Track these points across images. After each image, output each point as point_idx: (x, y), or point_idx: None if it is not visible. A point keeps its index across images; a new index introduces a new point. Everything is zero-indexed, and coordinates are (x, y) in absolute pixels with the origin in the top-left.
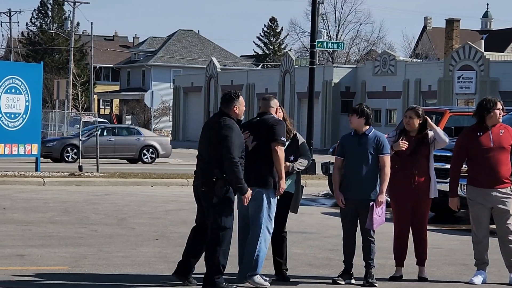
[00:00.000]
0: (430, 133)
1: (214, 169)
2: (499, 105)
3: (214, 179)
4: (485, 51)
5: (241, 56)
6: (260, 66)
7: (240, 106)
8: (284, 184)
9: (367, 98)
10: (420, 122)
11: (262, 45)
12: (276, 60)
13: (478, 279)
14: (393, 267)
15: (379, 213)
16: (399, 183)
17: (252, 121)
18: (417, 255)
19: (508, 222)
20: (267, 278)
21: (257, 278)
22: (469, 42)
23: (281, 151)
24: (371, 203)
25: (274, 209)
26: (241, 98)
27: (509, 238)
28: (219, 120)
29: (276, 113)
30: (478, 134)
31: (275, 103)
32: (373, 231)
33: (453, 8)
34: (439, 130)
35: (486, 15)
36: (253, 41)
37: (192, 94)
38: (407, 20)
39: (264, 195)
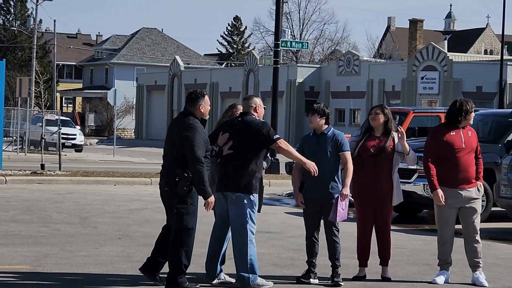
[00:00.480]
0: (396, 137)
1: (176, 169)
2: (472, 108)
3: (176, 179)
4: (448, 51)
5: (205, 54)
6: (223, 65)
7: (206, 105)
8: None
9: (331, 98)
10: (385, 120)
11: (226, 44)
12: (240, 59)
13: (440, 279)
14: (356, 267)
15: (343, 207)
16: (363, 183)
17: (234, 122)
18: (380, 255)
19: (475, 222)
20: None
21: (260, 281)
22: (432, 43)
23: (284, 143)
24: (336, 195)
25: (256, 213)
26: (206, 97)
27: (475, 238)
28: (183, 120)
29: (256, 111)
30: (451, 134)
31: (254, 102)
32: (337, 230)
33: (416, 9)
34: (412, 153)
35: (449, 15)
36: (217, 40)
37: (155, 93)
38: (371, 20)
39: (245, 199)
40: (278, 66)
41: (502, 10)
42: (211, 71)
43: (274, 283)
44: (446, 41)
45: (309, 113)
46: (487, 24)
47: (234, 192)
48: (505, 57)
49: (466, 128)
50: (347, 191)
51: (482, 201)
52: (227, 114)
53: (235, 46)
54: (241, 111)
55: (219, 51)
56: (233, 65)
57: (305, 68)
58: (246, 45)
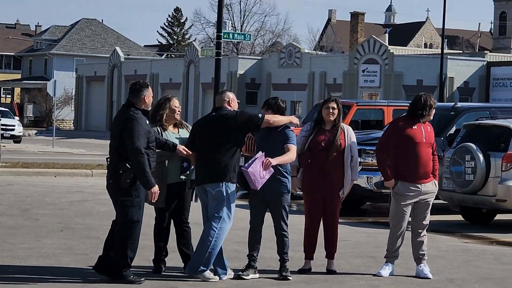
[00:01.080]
0: (347, 129)
1: (119, 161)
2: (433, 103)
3: (120, 172)
4: (389, 45)
5: (145, 45)
6: (164, 56)
7: (150, 96)
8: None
9: (272, 90)
10: (338, 114)
11: (166, 35)
12: (180, 50)
13: (385, 271)
14: (301, 259)
15: (262, 175)
16: (312, 177)
17: (209, 116)
18: (326, 248)
19: (426, 215)
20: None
21: (208, 274)
22: (373, 36)
23: (269, 116)
24: (284, 190)
25: (234, 207)
26: (150, 89)
27: (424, 231)
28: (124, 111)
29: (229, 105)
30: (413, 128)
31: (227, 96)
32: (287, 225)
33: (357, 2)
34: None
35: (389, 9)
36: (157, 31)
37: (95, 84)
38: (312, 12)
39: (225, 192)
40: (220, 57)
41: (442, 4)
42: (152, 62)
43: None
44: (387, 34)
45: (263, 107)
46: (427, 17)
47: (214, 184)
48: (445, 50)
49: (426, 123)
50: (274, 161)
51: None
52: (163, 107)
53: (176, 37)
54: (175, 105)
55: (159, 42)
56: (174, 56)
57: (246, 60)
58: (186, 36)
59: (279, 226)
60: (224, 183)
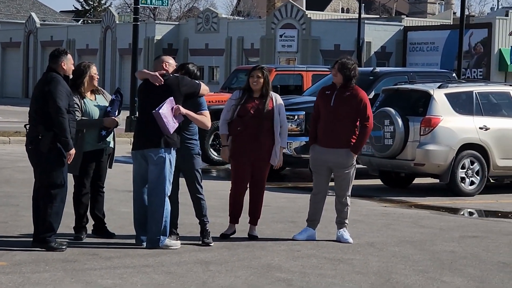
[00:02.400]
0: (275, 97)
1: (39, 125)
2: (336, 65)
3: (40, 137)
4: (306, 9)
5: (61, 11)
6: (80, 22)
7: (68, 63)
8: None
9: (189, 55)
10: (265, 82)
11: (82, 0)
12: (96, 16)
13: (301, 236)
14: (222, 225)
15: (175, 121)
16: (242, 144)
17: (147, 82)
18: (250, 214)
19: (343, 182)
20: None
21: (169, 242)
22: (291, 1)
23: (203, 86)
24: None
25: (173, 173)
26: (69, 56)
27: (344, 198)
28: (46, 75)
29: (166, 67)
30: (326, 93)
31: (161, 59)
32: (201, 187)
33: None
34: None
35: None
36: None
37: (10, 50)
38: None
39: (166, 159)
40: (138, 23)
41: None
42: (68, 28)
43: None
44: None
45: (181, 71)
46: None
47: (155, 149)
48: (362, 15)
49: (346, 89)
50: (183, 111)
51: None
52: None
53: (92, 3)
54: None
55: (75, 8)
56: (90, 22)
57: (163, 25)
58: (102, 1)
59: (194, 189)
60: (165, 148)
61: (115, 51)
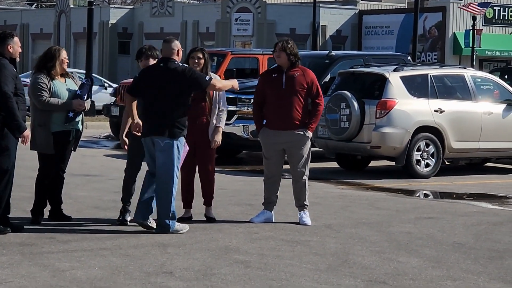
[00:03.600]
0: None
1: None
2: (277, 46)
3: None
4: None
5: None
6: (34, 6)
7: (15, 46)
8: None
9: (144, 39)
10: (205, 63)
11: None
12: None
13: (259, 218)
14: (179, 208)
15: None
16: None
17: (158, 68)
18: (204, 195)
19: (300, 164)
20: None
21: (179, 226)
22: None
23: (217, 81)
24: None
25: (181, 159)
26: (16, 38)
27: (302, 179)
28: None
29: (178, 55)
30: (273, 76)
31: (176, 45)
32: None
33: None
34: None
35: None
36: None
37: None
38: None
39: (174, 145)
40: (93, 7)
41: None
42: (21, 12)
43: (98, 225)
44: None
45: (140, 58)
46: None
47: (162, 137)
48: None
49: (294, 70)
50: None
51: None
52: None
53: None
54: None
55: None
56: (44, 6)
57: (118, 9)
58: None
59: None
60: (170, 137)
61: (70, 35)
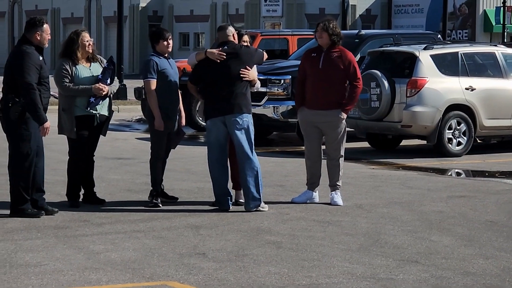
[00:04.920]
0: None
1: (10, 95)
2: (319, 27)
3: (10, 105)
4: None
5: None
6: None
7: (43, 34)
8: None
9: (174, 22)
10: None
11: None
12: None
13: (299, 198)
14: (210, 190)
15: None
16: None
17: (222, 49)
18: (234, 179)
19: (334, 143)
20: None
21: (263, 204)
22: None
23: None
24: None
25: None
26: (45, 26)
27: (336, 159)
28: (17, 47)
29: (234, 38)
30: (312, 55)
31: (230, 30)
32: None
33: None
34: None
35: None
36: None
37: None
38: None
39: (250, 122)
40: None
41: None
42: None
43: (132, 208)
44: None
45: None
46: None
47: (240, 113)
48: None
49: (334, 49)
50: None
51: None
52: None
53: None
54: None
55: None
56: None
57: None
58: None
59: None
60: (248, 114)
61: (100, 19)
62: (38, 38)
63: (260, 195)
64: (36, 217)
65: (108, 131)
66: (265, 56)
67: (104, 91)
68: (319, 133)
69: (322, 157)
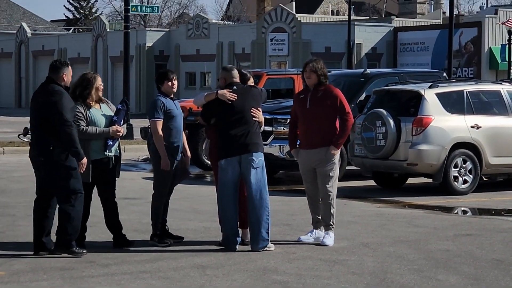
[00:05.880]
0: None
1: (48, 137)
2: (308, 67)
3: (51, 148)
4: (296, 13)
5: (52, 20)
6: (71, 31)
7: (69, 75)
8: None
9: (181, 61)
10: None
11: (72, 9)
12: (87, 24)
13: (306, 237)
14: (218, 230)
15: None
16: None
17: (233, 89)
18: (240, 218)
19: (324, 182)
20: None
21: (270, 244)
22: (280, 4)
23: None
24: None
25: None
26: (70, 67)
27: (328, 200)
28: (48, 87)
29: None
30: (301, 96)
31: (236, 73)
32: None
33: None
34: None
35: None
36: (64, 6)
37: (2, 60)
38: None
39: (263, 161)
40: (129, 31)
41: None
42: (59, 37)
43: (138, 248)
44: (293, 3)
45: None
46: None
47: (256, 153)
48: (352, 17)
49: (320, 88)
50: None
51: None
52: (89, 86)
53: (82, 12)
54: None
55: (66, 16)
56: (81, 30)
57: (154, 32)
58: (93, 10)
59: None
60: (262, 153)
61: (107, 59)
62: (65, 79)
63: (268, 236)
64: (81, 255)
65: None
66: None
67: (121, 133)
68: (315, 173)
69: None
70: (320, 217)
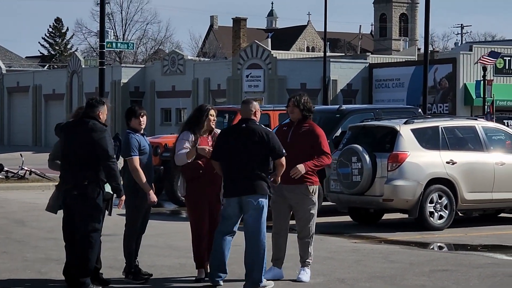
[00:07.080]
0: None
1: (86, 171)
2: (291, 102)
3: (86, 182)
4: (272, 49)
5: (27, 57)
6: (46, 67)
7: (104, 113)
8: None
9: (156, 97)
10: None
11: (47, 45)
12: (62, 60)
13: (267, 275)
14: (193, 266)
15: None
16: (203, 186)
17: (239, 128)
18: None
19: (303, 220)
20: None
21: (265, 282)
22: (256, 41)
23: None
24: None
25: None
26: (105, 106)
27: (306, 238)
28: (89, 123)
29: (255, 116)
30: (283, 129)
31: (254, 107)
32: None
33: (239, 7)
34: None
35: (271, 14)
36: (39, 42)
37: None
38: (194, 19)
39: (264, 203)
40: (104, 67)
41: (323, 7)
42: (34, 74)
43: (113, 286)
44: (269, 39)
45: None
46: (308, 21)
47: (256, 195)
48: (327, 53)
49: (303, 124)
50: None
51: None
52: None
53: (57, 48)
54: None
55: (41, 53)
56: (56, 67)
57: (129, 68)
58: (68, 46)
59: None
60: (262, 194)
61: (82, 95)
62: (101, 117)
63: (261, 278)
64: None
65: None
66: (283, 162)
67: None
68: (287, 208)
69: (289, 233)
70: (281, 255)
